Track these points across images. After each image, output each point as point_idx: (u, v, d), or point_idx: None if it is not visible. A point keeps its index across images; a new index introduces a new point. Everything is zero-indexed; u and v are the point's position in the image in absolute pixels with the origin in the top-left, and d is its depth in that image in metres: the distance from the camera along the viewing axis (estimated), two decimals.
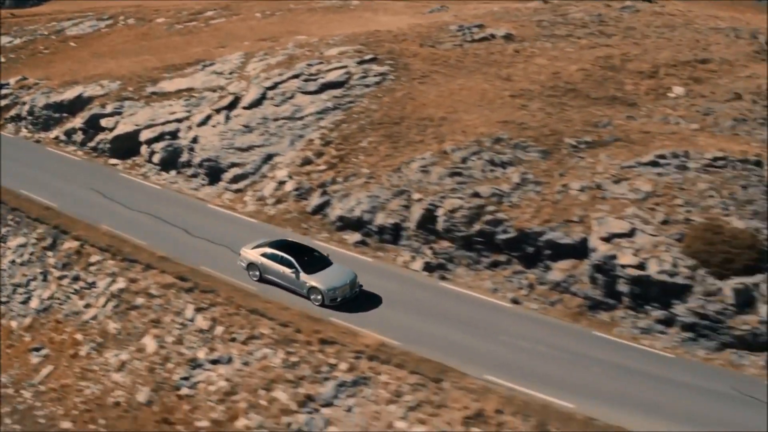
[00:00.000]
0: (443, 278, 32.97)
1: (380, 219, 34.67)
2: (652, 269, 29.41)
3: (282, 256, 31.17)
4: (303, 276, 30.50)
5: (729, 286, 28.61)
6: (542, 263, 31.58)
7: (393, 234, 34.52)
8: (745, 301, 28.61)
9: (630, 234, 30.53)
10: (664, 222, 30.78)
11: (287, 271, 30.84)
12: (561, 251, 31.28)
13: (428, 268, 33.17)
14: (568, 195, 32.81)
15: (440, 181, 34.84)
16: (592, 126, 36.24)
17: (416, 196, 34.59)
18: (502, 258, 32.30)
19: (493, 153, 35.24)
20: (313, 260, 31.06)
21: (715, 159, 32.97)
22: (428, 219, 33.86)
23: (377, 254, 34.62)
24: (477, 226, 32.63)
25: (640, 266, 29.48)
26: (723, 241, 29.45)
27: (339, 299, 30.30)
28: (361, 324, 29.96)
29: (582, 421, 25.32)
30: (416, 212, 33.97)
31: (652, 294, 29.41)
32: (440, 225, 33.36)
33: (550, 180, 33.62)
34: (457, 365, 27.59)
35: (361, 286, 31.63)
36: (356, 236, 35.12)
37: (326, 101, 41.41)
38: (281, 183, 38.83)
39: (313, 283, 30.25)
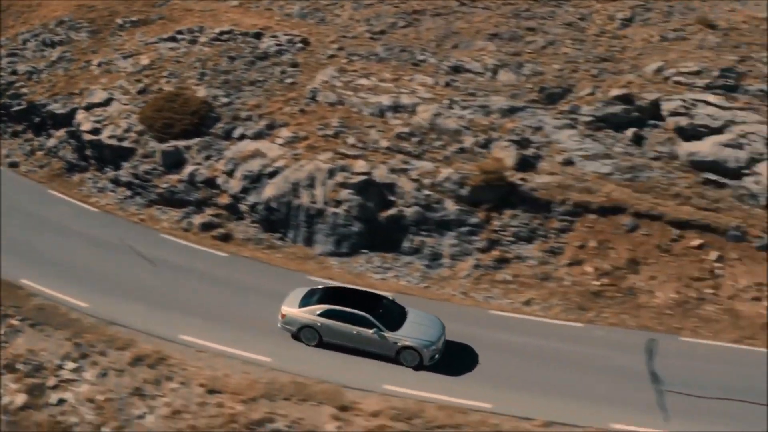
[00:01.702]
0: None
1: None
2: (105, 135, 30.88)
3: (352, 314, 23.30)
4: (390, 335, 23.11)
5: (161, 149, 30.17)
6: (46, 132, 33.33)
7: None
8: (174, 162, 29.95)
9: (106, 103, 31.85)
10: (141, 92, 31.98)
11: (366, 331, 23.16)
12: (58, 120, 32.80)
13: None
14: (87, 70, 34.13)
15: None
16: (149, 6, 37.28)
17: None
18: (21, 128, 34.30)
19: (50, 35, 36.70)
20: (388, 311, 23.83)
21: (222, 33, 33.82)
22: None
23: None
24: (1, 100, 34.82)
25: (95, 132, 31.13)
26: (172, 108, 30.50)
27: (437, 357, 23.46)
28: None
29: None
30: None
31: (108, 157, 30.92)
32: None
33: (82, 57, 35.13)
34: None
35: None
36: None
37: None
38: None
39: (407, 343, 22.98)
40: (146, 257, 27.19)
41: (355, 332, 23.50)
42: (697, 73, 30.75)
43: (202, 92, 30.92)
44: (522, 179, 27.84)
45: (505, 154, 28.32)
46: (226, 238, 28.41)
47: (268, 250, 28.06)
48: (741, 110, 29.81)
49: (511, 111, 29.49)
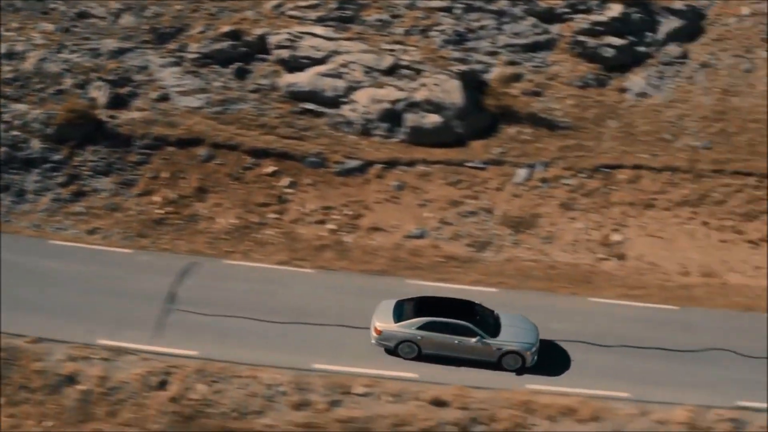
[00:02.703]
0: None
1: None
2: None
3: (454, 324, 23.05)
4: (492, 342, 23.07)
5: None
6: None
7: None
8: None
9: None
10: None
11: (468, 341, 22.98)
12: None
13: None
14: None
15: None
16: None
17: None
18: None
19: None
20: (483, 317, 23.70)
21: None
22: None
23: None
24: None
25: None
26: None
27: (535, 358, 23.39)
28: None
29: None
30: None
31: None
32: None
33: None
34: None
35: None
36: None
37: None
38: None
39: (511, 347, 23.03)
40: None
41: (456, 342, 23.12)
42: (314, 7, 31.24)
43: None
44: (111, 116, 28.76)
45: (99, 94, 29.20)
46: None
47: None
48: (348, 41, 30.33)
49: (119, 52, 30.15)
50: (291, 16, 30.61)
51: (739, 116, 31.29)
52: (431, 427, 21.08)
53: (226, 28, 30.22)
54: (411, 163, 28.40)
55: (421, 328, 23.18)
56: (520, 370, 23.24)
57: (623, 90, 31.25)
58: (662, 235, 28.00)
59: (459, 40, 30.88)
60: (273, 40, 30.02)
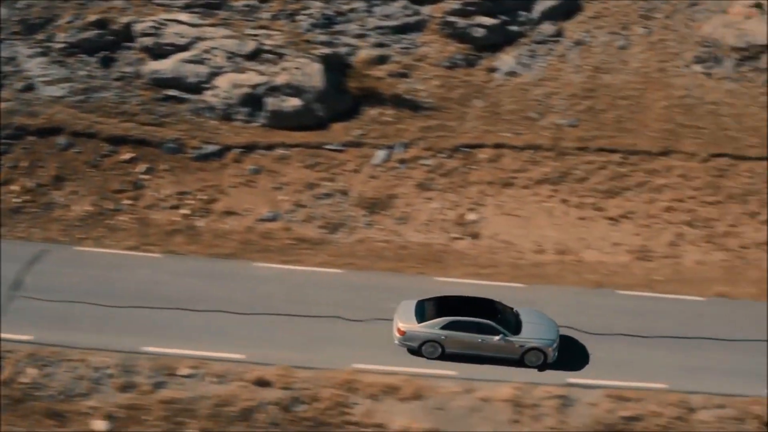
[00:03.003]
0: None
1: None
2: None
3: (477, 323, 23.29)
4: (515, 339, 23.40)
5: None
6: None
7: None
8: None
9: None
10: None
11: (491, 339, 23.25)
12: None
13: None
14: None
15: None
16: None
17: None
18: None
19: None
20: (504, 315, 23.94)
21: None
22: None
23: None
24: None
25: None
26: None
27: (556, 354, 23.74)
28: None
29: None
30: None
31: None
32: None
33: None
34: None
35: None
36: None
37: None
38: None
39: (534, 344, 23.38)
40: None
41: (480, 340, 23.36)
42: None
43: None
44: None
45: None
46: None
47: None
48: (212, 27, 30.52)
49: None
50: (158, 4, 30.68)
51: (609, 93, 31.62)
52: (253, 407, 21.85)
53: (93, 18, 30.50)
54: (269, 147, 28.75)
55: (444, 327, 23.36)
56: (542, 367, 23.46)
57: (492, 70, 31.48)
58: (519, 214, 28.44)
59: (327, 23, 31.04)
60: (138, 27, 30.19)
